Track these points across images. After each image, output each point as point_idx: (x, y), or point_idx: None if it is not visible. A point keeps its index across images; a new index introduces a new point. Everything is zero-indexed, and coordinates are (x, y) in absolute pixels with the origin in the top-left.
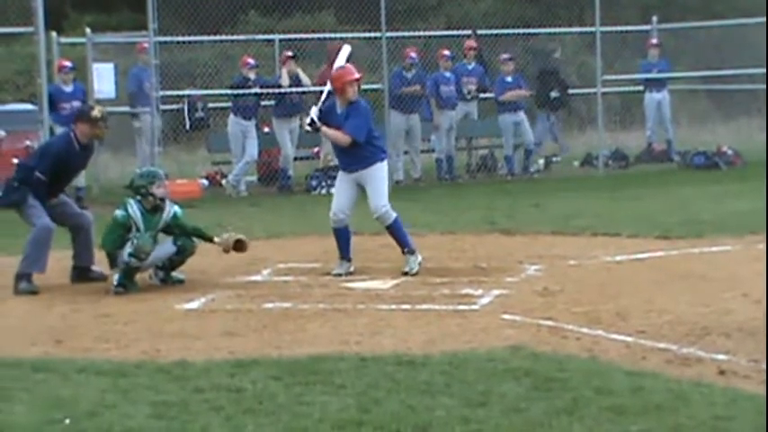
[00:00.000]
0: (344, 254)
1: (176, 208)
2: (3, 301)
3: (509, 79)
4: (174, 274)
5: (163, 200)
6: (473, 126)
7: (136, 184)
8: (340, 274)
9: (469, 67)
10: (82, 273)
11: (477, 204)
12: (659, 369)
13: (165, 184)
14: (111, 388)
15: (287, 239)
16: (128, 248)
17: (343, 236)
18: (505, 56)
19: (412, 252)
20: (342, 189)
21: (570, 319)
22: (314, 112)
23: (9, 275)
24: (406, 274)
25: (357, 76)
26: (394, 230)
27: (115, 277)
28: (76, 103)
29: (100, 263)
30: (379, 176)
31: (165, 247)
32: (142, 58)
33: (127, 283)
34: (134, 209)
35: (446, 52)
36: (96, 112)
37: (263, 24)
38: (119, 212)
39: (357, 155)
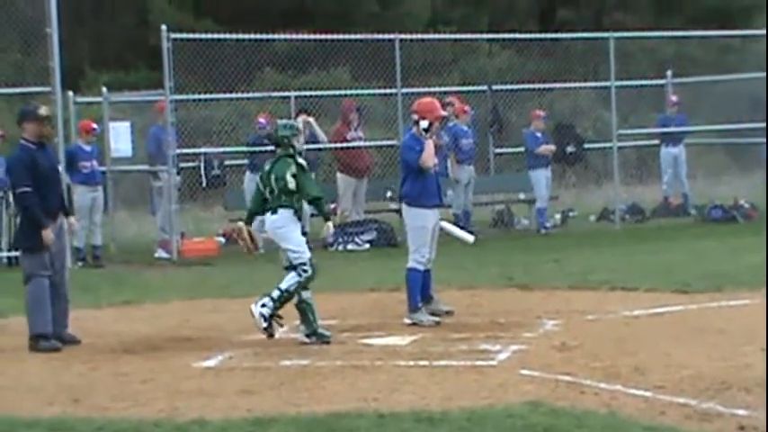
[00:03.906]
0: (426, 294)
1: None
2: (21, 360)
3: (539, 135)
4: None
5: (301, 153)
6: (490, 181)
7: (280, 135)
8: (437, 322)
9: (465, 128)
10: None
11: (495, 260)
12: (678, 424)
13: (303, 140)
14: None
15: None
16: (292, 279)
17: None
18: (539, 113)
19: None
20: (430, 233)
21: (588, 374)
22: None
23: (25, 335)
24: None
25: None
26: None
27: (264, 309)
28: (95, 162)
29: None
30: None
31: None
32: (162, 117)
33: (274, 314)
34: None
35: (466, 107)
36: (42, 111)
37: (279, 81)
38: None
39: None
